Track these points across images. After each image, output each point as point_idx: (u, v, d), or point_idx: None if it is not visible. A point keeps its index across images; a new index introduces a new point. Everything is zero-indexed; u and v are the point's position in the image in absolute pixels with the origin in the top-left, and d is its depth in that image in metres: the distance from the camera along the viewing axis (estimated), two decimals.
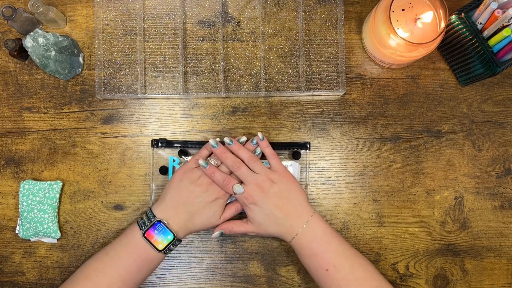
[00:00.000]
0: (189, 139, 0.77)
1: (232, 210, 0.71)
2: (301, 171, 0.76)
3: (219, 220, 0.70)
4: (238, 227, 0.70)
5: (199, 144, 0.75)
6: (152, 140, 0.75)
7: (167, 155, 0.76)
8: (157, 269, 0.75)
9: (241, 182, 0.69)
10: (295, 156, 0.75)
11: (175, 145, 0.75)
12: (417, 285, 0.76)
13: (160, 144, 0.75)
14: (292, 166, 0.74)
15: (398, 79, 0.78)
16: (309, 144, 0.76)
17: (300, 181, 0.75)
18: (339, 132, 0.77)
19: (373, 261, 0.76)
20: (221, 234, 0.70)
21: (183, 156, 0.75)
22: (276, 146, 0.75)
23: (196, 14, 0.78)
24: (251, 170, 0.69)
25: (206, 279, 0.75)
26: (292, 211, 0.68)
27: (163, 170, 0.75)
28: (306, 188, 0.76)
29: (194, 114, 0.77)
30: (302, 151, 0.76)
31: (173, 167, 0.75)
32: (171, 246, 0.67)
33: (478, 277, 0.76)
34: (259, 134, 0.71)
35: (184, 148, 0.75)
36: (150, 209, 0.68)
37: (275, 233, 0.68)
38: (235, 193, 0.68)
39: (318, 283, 0.67)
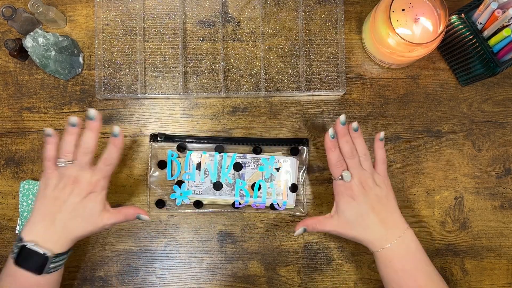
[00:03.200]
0: (187, 136, 0.76)
1: (120, 215, 0.64)
2: (300, 169, 0.76)
3: (101, 217, 0.63)
4: (322, 224, 0.67)
5: (197, 139, 0.75)
6: (150, 135, 0.75)
7: (166, 150, 0.76)
8: (157, 269, 0.75)
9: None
10: (293, 152, 0.75)
11: (174, 139, 0.75)
12: None
13: (158, 139, 0.75)
14: (290, 161, 0.74)
15: (398, 79, 0.78)
16: (308, 140, 0.76)
17: (297, 178, 0.75)
18: None
19: (373, 261, 0.76)
20: (305, 230, 0.67)
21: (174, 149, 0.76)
22: (274, 142, 0.75)
23: (196, 14, 0.78)
24: (360, 164, 0.67)
25: (206, 279, 0.75)
26: (389, 219, 0.65)
27: (162, 164, 0.75)
28: (304, 187, 0.76)
29: (194, 114, 0.77)
30: (300, 147, 0.76)
31: (172, 161, 0.75)
32: (51, 265, 0.60)
33: (478, 277, 0.76)
34: (381, 134, 0.68)
35: (183, 143, 0.75)
36: (20, 232, 0.62)
37: (361, 237, 0.65)
38: (341, 178, 0.66)
39: None
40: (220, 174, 0.74)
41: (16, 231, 0.75)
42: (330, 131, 0.67)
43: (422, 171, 0.77)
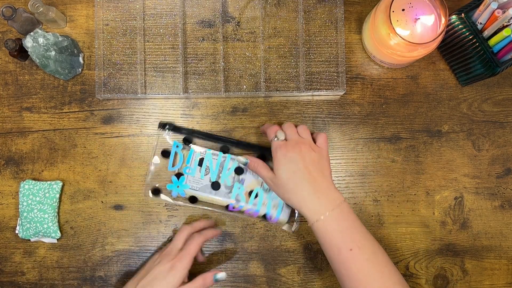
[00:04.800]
0: (195, 130, 0.77)
1: (197, 285, 0.67)
2: None
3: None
4: (263, 170, 0.68)
5: (205, 134, 0.75)
6: (159, 122, 0.76)
7: (172, 140, 0.76)
8: None
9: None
10: None
11: (181, 131, 0.75)
12: (417, 285, 0.76)
13: (167, 128, 0.75)
14: None
15: (398, 79, 0.78)
16: None
17: None
18: (339, 132, 0.77)
19: None
20: (246, 163, 0.71)
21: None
22: None
23: (196, 14, 0.78)
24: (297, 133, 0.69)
25: None
26: (323, 187, 0.65)
27: (165, 153, 0.76)
28: None
29: (194, 114, 0.77)
30: None
31: (175, 152, 0.75)
32: None
33: (478, 277, 0.76)
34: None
35: (189, 137, 0.75)
36: None
37: (296, 205, 0.65)
38: (276, 139, 0.68)
39: (337, 265, 0.63)
40: (221, 175, 0.74)
41: (16, 231, 0.75)
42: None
43: (422, 171, 0.77)
